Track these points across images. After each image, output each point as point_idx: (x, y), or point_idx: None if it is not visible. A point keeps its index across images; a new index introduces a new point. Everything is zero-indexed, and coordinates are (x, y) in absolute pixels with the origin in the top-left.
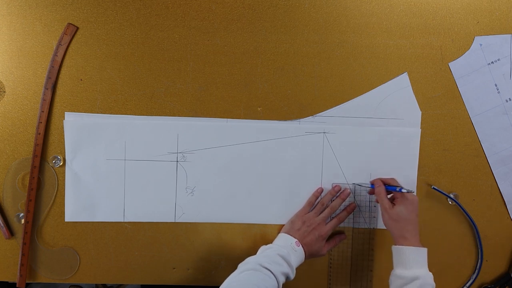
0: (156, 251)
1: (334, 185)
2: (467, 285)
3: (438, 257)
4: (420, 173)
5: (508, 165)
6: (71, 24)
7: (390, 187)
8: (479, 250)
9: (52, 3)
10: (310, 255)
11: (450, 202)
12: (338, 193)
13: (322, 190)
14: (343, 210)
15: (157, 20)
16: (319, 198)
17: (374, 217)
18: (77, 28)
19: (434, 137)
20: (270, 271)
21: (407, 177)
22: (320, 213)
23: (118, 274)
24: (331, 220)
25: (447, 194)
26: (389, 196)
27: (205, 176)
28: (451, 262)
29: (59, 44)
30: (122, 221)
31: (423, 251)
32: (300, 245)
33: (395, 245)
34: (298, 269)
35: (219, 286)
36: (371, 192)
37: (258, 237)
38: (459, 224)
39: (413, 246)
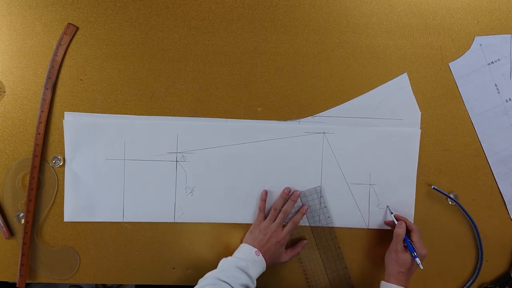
0: (156, 251)
1: (284, 188)
2: (467, 285)
3: (438, 257)
4: (420, 173)
5: (508, 165)
6: (71, 24)
7: (409, 243)
8: (479, 250)
9: (52, 3)
10: (271, 263)
11: (450, 202)
12: (289, 196)
13: (267, 193)
14: (296, 212)
15: (157, 20)
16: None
17: (329, 217)
18: (77, 28)
19: (434, 137)
20: (229, 284)
21: (407, 177)
22: (275, 219)
23: (118, 274)
24: (286, 224)
25: (447, 194)
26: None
27: (204, 176)
28: (451, 262)
29: (59, 44)
30: (122, 221)
31: None
32: (260, 254)
33: (387, 282)
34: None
35: None
36: (388, 223)
37: None
38: (459, 224)
39: (402, 286)
